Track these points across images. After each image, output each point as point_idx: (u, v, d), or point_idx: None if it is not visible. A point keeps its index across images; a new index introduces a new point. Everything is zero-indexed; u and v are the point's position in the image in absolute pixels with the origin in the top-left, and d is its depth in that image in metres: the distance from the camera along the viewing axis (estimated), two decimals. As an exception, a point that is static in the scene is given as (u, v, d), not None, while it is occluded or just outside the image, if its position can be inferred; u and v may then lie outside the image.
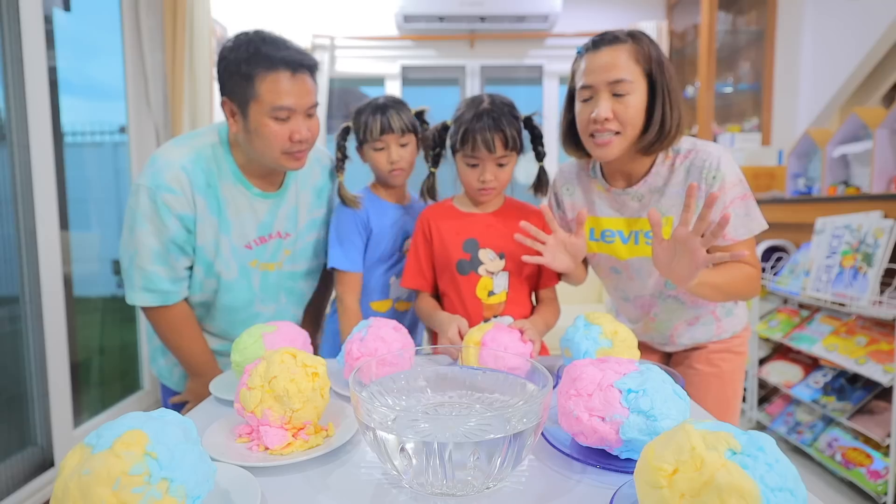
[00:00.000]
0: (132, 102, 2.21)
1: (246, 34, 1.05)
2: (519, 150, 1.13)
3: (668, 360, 1.25)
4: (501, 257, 1.16)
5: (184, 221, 1.07)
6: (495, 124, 1.07)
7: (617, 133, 0.99)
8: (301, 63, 1.04)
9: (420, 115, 1.27)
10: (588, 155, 1.10)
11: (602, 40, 0.99)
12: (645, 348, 1.25)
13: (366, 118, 1.21)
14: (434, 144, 1.22)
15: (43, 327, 1.67)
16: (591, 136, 1.01)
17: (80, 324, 2.04)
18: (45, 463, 1.72)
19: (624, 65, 0.96)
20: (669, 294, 1.13)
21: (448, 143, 1.18)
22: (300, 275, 1.26)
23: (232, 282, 1.15)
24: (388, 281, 1.28)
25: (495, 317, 1.17)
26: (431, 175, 1.24)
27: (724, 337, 1.17)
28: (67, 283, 1.82)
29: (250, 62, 1.01)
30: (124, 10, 2.14)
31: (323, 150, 1.30)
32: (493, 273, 1.16)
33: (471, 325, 1.13)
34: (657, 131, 0.99)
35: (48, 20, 1.70)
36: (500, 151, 1.08)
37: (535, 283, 1.22)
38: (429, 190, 1.25)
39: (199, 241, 1.10)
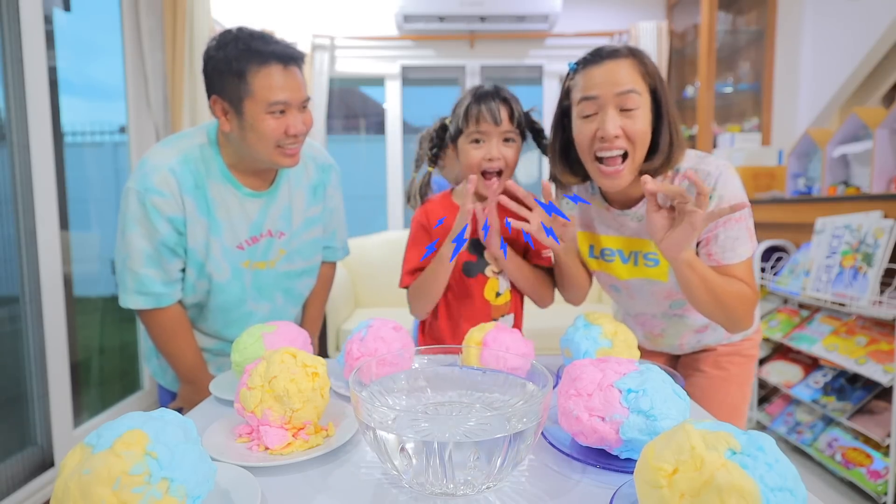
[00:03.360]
0: (132, 102, 2.21)
1: (230, 32, 1.05)
2: (523, 132, 1.09)
3: (676, 361, 1.23)
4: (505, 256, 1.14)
5: (174, 224, 1.07)
6: (499, 96, 1.05)
7: (625, 156, 0.92)
8: (291, 56, 1.05)
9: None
10: (583, 178, 1.05)
11: (602, 53, 0.93)
12: (652, 352, 1.23)
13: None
14: (432, 144, 1.19)
15: (43, 327, 1.67)
16: (598, 160, 0.94)
17: (80, 324, 2.04)
18: (45, 463, 1.72)
19: (631, 79, 0.90)
20: (675, 313, 1.09)
21: (448, 136, 1.14)
22: (296, 274, 1.25)
23: (224, 283, 1.15)
24: None
25: (503, 316, 1.16)
26: (428, 175, 1.21)
27: (734, 340, 1.14)
28: (67, 283, 1.82)
29: (241, 58, 1.01)
30: (124, 10, 2.15)
31: (317, 146, 1.29)
32: (498, 273, 1.15)
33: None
34: (667, 152, 0.93)
35: (48, 20, 1.70)
36: (506, 125, 1.04)
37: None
38: (421, 189, 1.20)
39: (190, 242, 1.09)
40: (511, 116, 1.05)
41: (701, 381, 1.14)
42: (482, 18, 3.21)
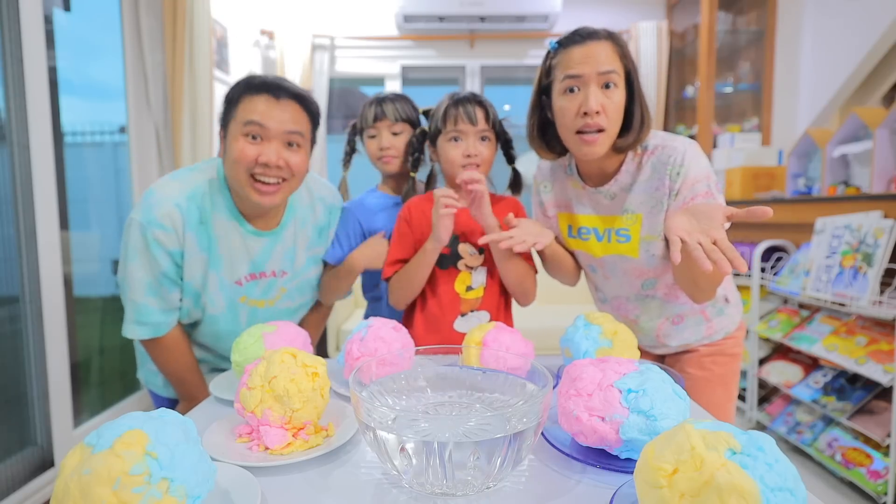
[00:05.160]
0: (132, 102, 2.21)
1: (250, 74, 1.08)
2: (497, 133, 1.17)
3: (661, 363, 1.24)
4: (481, 252, 1.19)
5: (173, 257, 1.07)
6: (475, 99, 1.15)
7: (601, 130, 0.98)
8: (287, 90, 1.03)
9: (427, 113, 1.29)
10: (559, 153, 1.10)
11: (582, 34, 0.98)
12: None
13: (364, 108, 1.29)
14: (413, 150, 1.26)
15: (43, 327, 1.67)
16: (579, 132, 0.98)
17: (80, 324, 2.04)
18: (45, 463, 1.72)
19: (610, 59, 0.97)
20: (647, 294, 1.12)
21: (428, 139, 1.22)
22: (293, 310, 1.26)
23: (217, 315, 1.15)
24: None
25: (472, 311, 1.19)
26: (412, 179, 1.28)
27: (715, 339, 1.15)
28: (67, 283, 1.82)
29: (239, 86, 1.04)
30: (124, 10, 2.15)
31: (327, 185, 1.29)
32: (472, 268, 1.18)
33: (446, 318, 1.18)
34: (638, 130, 1.00)
35: (48, 20, 1.70)
36: (481, 124, 1.13)
37: None
38: (407, 194, 1.28)
39: (186, 276, 1.09)
40: (486, 118, 1.14)
41: (685, 383, 1.15)
42: (482, 18, 3.21)
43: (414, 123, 1.29)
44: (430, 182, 1.30)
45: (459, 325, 1.19)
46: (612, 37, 0.99)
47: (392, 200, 1.32)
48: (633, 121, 1.00)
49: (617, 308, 1.18)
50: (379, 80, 3.50)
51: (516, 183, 1.28)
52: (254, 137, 1.02)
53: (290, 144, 1.04)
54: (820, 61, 2.75)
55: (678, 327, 1.14)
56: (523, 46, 3.46)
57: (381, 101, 1.27)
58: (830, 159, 2.27)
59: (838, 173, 2.29)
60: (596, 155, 1.00)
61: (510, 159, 1.25)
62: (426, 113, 1.28)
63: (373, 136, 1.29)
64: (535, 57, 3.47)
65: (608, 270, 1.13)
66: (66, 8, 1.93)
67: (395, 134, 1.27)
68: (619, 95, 0.98)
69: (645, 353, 1.24)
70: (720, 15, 3.13)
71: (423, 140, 1.25)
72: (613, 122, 0.98)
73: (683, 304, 1.11)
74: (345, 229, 1.27)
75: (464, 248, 1.18)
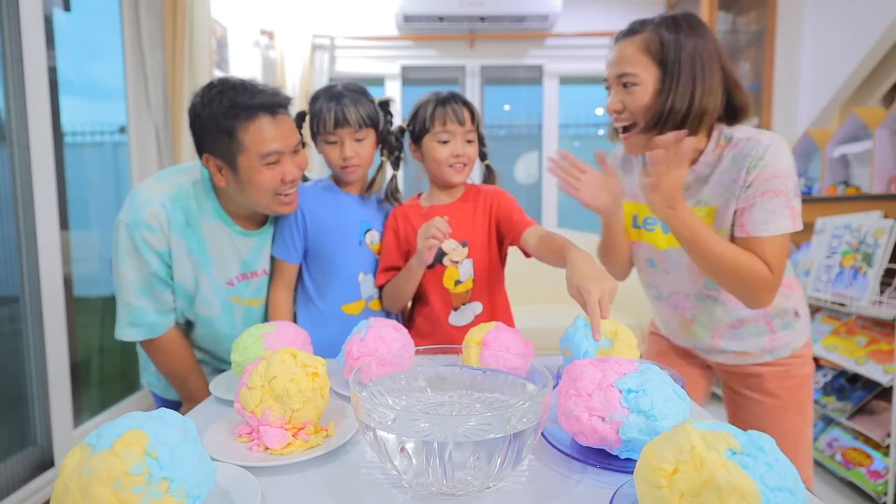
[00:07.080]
0: (132, 102, 2.21)
1: (214, 86, 1.01)
2: (480, 135, 1.21)
3: (710, 373, 1.21)
4: (464, 245, 1.19)
5: (162, 257, 1.07)
6: (461, 99, 1.17)
7: (632, 125, 1.01)
8: (278, 104, 1.03)
9: (385, 105, 1.23)
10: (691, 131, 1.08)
11: (620, 34, 1.01)
12: (686, 355, 1.20)
13: (320, 106, 1.15)
14: (393, 148, 1.24)
15: (43, 327, 1.67)
16: (616, 130, 1.05)
17: (80, 324, 2.04)
18: (45, 463, 1.72)
19: (630, 58, 0.98)
20: (709, 294, 1.07)
21: (410, 137, 1.21)
22: None
23: (213, 318, 1.15)
24: (356, 279, 1.21)
25: (464, 304, 1.20)
26: (394, 178, 1.26)
27: (781, 355, 1.07)
28: (67, 283, 1.81)
29: (228, 115, 0.99)
30: (124, 10, 2.15)
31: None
32: (457, 262, 1.19)
33: (441, 315, 1.19)
34: (678, 120, 0.95)
35: (48, 20, 1.70)
36: (468, 125, 1.16)
37: (500, 268, 1.24)
38: (392, 192, 1.24)
39: (176, 277, 1.09)
40: (472, 118, 1.17)
41: (753, 409, 1.10)
42: (482, 18, 3.21)
43: (377, 123, 1.19)
44: (395, 194, 1.24)
45: (454, 318, 1.20)
46: (653, 26, 0.97)
47: (342, 192, 1.23)
48: (664, 112, 0.96)
49: (674, 305, 1.13)
50: (379, 80, 3.50)
51: (489, 179, 1.28)
52: (274, 162, 1.03)
53: (295, 151, 1.07)
54: (820, 61, 2.75)
55: (738, 331, 1.08)
56: (523, 46, 3.45)
57: (339, 100, 1.13)
58: (830, 159, 2.27)
59: (838, 173, 2.29)
60: (632, 150, 1.05)
61: (482, 156, 1.26)
62: (383, 104, 1.22)
63: (332, 143, 1.16)
64: (534, 57, 3.47)
65: (669, 264, 1.09)
66: (66, 8, 1.93)
67: (358, 140, 1.16)
68: (641, 91, 0.98)
69: (694, 363, 1.20)
70: (720, 15, 3.13)
71: (402, 137, 1.23)
72: (638, 115, 0.99)
73: (745, 308, 1.03)
74: (286, 219, 1.18)
75: (447, 245, 1.19)
